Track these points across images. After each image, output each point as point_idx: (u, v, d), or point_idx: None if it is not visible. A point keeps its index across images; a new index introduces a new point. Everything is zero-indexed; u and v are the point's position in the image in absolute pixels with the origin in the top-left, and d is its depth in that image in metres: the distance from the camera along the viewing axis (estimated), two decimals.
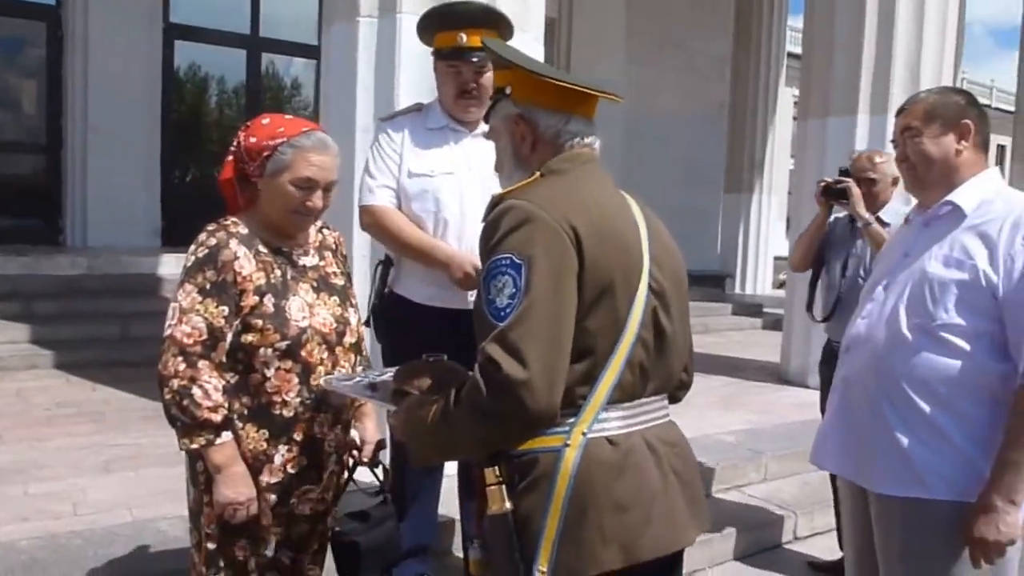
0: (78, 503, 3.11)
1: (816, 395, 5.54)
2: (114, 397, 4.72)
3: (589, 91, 1.48)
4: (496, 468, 1.36)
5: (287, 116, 1.86)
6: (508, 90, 1.50)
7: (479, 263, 2.54)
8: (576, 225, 1.34)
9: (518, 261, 1.31)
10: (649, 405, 1.46)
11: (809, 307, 3.56)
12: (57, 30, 7.88)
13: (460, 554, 2.89)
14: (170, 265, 6.69)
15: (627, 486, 1.36)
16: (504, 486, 1.35)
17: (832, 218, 3.38)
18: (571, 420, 1.35)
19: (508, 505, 1.34)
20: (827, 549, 3.60)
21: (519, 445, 1.35)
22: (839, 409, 1.96)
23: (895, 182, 3.17)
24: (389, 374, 1.61)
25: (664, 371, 1.48)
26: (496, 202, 1.44)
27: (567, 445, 1.34)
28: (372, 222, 2.59)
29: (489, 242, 1.37)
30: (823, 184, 3.24)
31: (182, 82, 9.01)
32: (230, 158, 1.86)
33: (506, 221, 1.35)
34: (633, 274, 1.39)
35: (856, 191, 3.12)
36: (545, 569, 1.32)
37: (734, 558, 3.50)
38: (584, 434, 1.35)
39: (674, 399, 1.60)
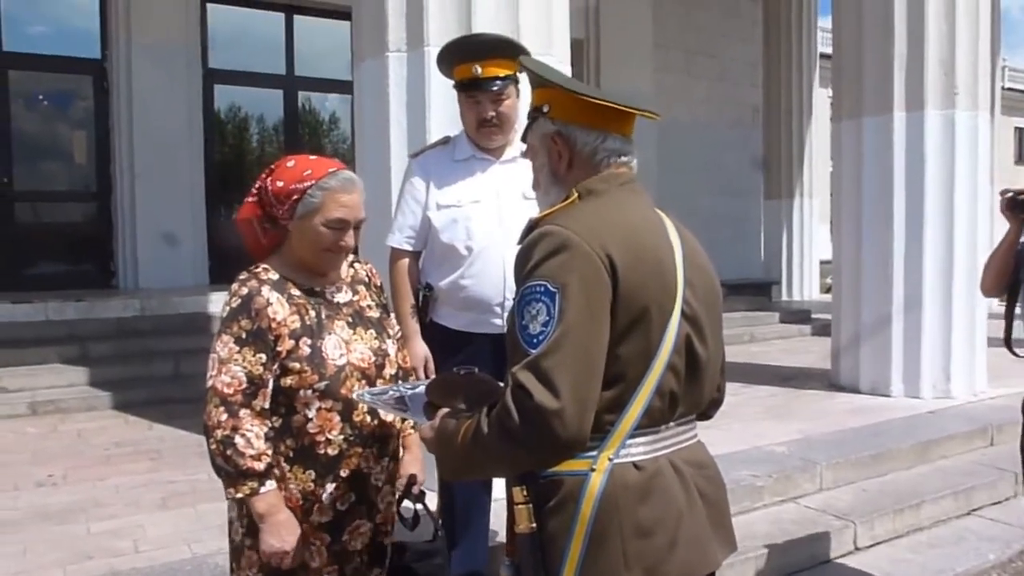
0: (138, 540, 3.19)
1: (871, 400, 5.50)
2: (169, 434, 4.83)
3: (626, 109, 1.47)
4: (524, 488, 1.37)
5: (311, 156, 1.87)
6: (546, 108, 1.49)
7: (430, 363, 2.57)
8: (612, 253, 1.34)
9: (552, 289, 1.31)
10: (677, 429, 1.45)
11: (1008, 341, 2.88)
12: (103, 82, 8.18)
13: None
14: (218, 303, 6.82)
15: (652, 510, 1.36)
16: (531, 506, 1.37)
17: None
18: (598, 445, 1.35)
19: (533, 524, 1.36)
20: (888, 558, 3.51)
21: (547, 469, 1.36)
22: None
23: None
24: (421, 388, 1.62)
25: (695, 396, 1.47)
26: (532, 226, 1.44)
27: (593, 470, 1.35)
28: (390, 260, 2.72)
29: (524, 267, 1.37)
30: (1008, 196, 2.81)
31: (223, 124, 9.25)
32: (251, 199, 1.87)
33: (541, 247, 1.35)
34: (667, 300, 1.39)
35: None
36: None
37: (791, 572, 3.43)
38: (610, 459, 1.36)
39: (705, 416, 1.59)
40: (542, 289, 1.32)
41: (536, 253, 1.35)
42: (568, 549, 1.34)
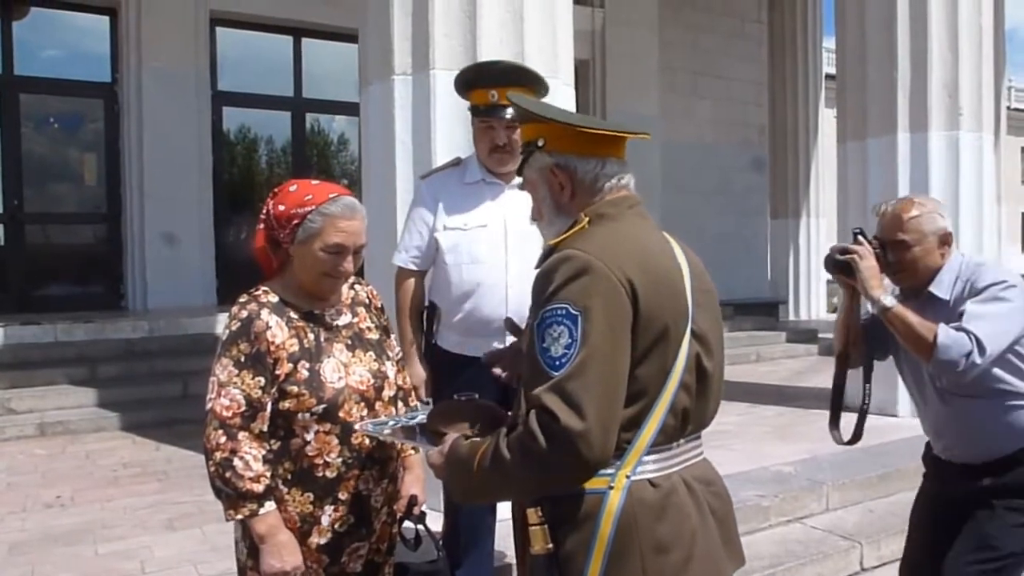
0: (145, 561, 3.20)
1: (877, 420, 5.46)
2: (176, 455, 4.85)
3: (622, 135, 1.51)
4: (539, 509, 1.38)
5: (314, 182, 1.89)
6: (540, 142, 1.51)
7: (428, 386, 2.61)
8: (631, 276, 1.36)
9: (574, 312, 1.32)
10: (687, 446, 1.48)
11: (834, 418, 2.55)
12: (114, 105, 8.30)
13: None
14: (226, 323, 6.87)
15: (668, 527, 1.39)
16: (547, 526, 1.38)
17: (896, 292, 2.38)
18: (616, 463, 1.37)
19: (550, 545, 1.37)
20: None
21: (568, 491, 1.37)
22: None
23: (944, 240, 2.31)
24: (422, 416, 1.63)
25: (703, 412, 1.50)
26: (551, 251, 1.46)
27: (611, 488, 1.37)
28: (396, 279, 2.76)
29: (545, 291, 1.38)
30: (827, 257, 2.42)
31: (232, 145, 9.35)
32: (261, 226, 1.89)
33: (563, 271, 1.36)
34: (681, 321, 1.42)
35: (866, 264, 2.25)
36: None
37: None
38: (628, 477, 1.38)
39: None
40: (564, 312, 1.33)
41: (557, 277, 1.36)
42: (587, 568, 1.36)
